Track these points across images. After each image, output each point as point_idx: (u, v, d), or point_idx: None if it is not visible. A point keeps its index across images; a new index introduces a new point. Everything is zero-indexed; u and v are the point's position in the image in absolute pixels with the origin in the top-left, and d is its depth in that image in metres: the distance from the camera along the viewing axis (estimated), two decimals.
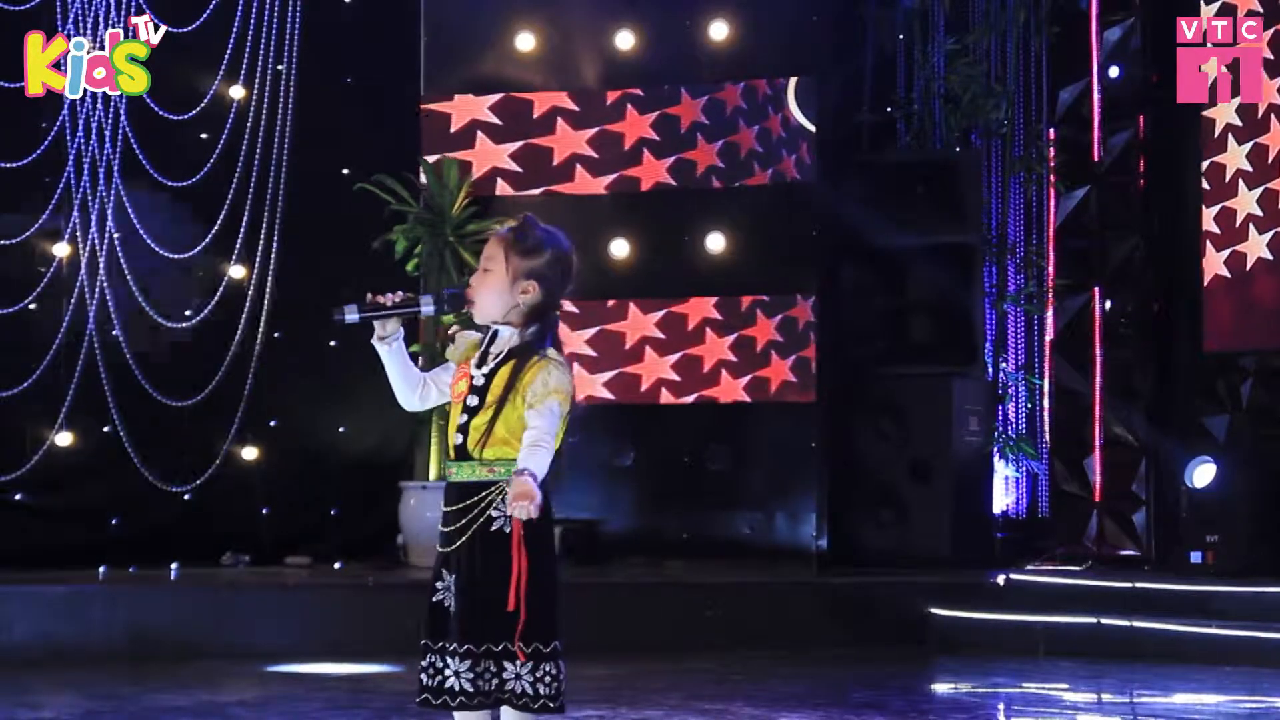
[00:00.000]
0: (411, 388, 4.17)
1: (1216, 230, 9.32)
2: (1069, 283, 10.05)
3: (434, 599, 4.08)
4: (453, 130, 10.15)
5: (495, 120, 10.15)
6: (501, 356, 4.04)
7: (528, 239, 4.07)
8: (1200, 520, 8.77)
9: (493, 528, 3.98)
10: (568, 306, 9.82)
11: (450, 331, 4.30)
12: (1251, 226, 9.20)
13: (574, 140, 10.11)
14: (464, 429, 4.02)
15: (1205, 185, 9.37)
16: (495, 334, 4.10)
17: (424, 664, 4.07)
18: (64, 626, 8.18)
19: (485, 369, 4.05)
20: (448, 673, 4.01)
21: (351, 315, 4.07)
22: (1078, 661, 8.01)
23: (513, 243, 4.06)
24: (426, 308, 4.09)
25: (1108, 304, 9.81)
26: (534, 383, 3.95)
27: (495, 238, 4.12)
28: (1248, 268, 9.20)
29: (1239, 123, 9.27)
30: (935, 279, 9.70)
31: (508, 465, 3.96)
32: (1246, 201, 9.21)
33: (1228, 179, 9.30)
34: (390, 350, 4.13)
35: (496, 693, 3.98)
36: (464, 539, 4.00)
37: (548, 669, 3.97)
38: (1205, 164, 9.38)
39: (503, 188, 10.08)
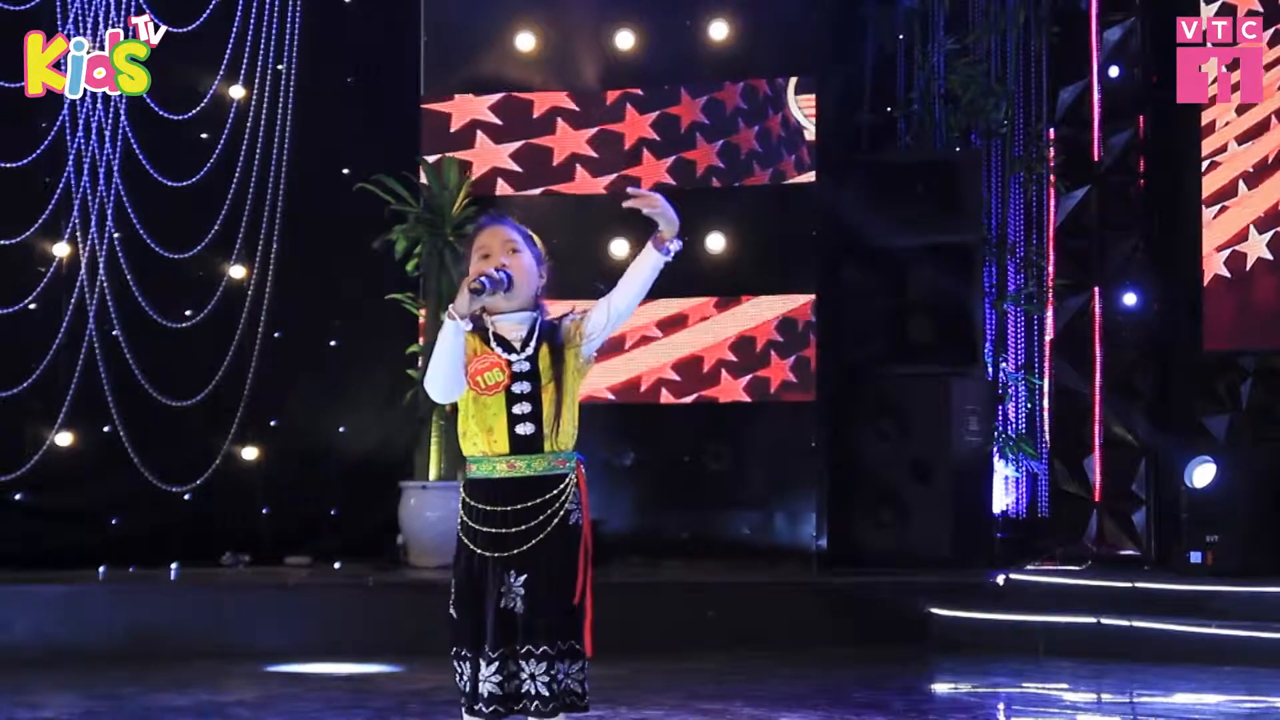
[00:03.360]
0: (459, 377, 3.94)
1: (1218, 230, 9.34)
2: (1069, 283, 10.05)
3: (501, 605, 3.89)
4: (452, 130, 10.15)
5: (495, 120, 10.15)
6: (535, 341, 3.98)
7: (526, 231, 4.11)
8: (1200, 520, 8.77)
9: (571, 521, 3.92)
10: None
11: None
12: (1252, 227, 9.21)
13: (574, 140, 10.11)
14: (533, 418, 3.92)
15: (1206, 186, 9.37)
16: (495, 323, 4.00)
17: (488, 672, 3.88)
18: (64, 626, 8.19)
19: (524, 354, 3.96)
20: (524, 676, 3.87)
21: (488, 284, 3.87)
22: (1078, 661, 8.01)
23: (522, 233, 4.07)
24: (506, 282, 3.97)
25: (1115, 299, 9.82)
26: (588, 323, 3.97)
27: (502, 226, 4.06)
28: (1248, 268, 9.21)
29: (1238, 120, 9.27)
30: (935, 279, 9.70)
31: (570, 457, 3.94)
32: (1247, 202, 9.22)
33: (1229, 179, 9.31)
34: (464, 330, 3.91)
35: (564, 695, 3.88)
36: (541, 536, 3.89)
37: (586, 667, 3.95)
38: (1205, 164, 9.38)
39: (503, 187, 10.07)
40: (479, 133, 10.15)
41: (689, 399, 9.97)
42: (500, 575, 3.91)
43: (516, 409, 3.93)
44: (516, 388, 3.94)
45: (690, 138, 10.02)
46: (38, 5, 9.49)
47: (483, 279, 3.86)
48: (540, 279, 4.05)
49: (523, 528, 3.91)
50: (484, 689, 3.90)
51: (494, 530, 3.93)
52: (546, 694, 3.86)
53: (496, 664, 3.89)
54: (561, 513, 3.91)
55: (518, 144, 10.12)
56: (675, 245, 3.91)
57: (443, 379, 3.93)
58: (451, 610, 4.00)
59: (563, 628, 3.89)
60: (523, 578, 3.90)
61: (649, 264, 3.93)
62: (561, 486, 3.92)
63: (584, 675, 3.92)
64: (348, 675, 7.72)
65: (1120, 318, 9.84)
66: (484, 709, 3.90)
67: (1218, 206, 9.33)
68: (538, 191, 10.06)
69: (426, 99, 10.22)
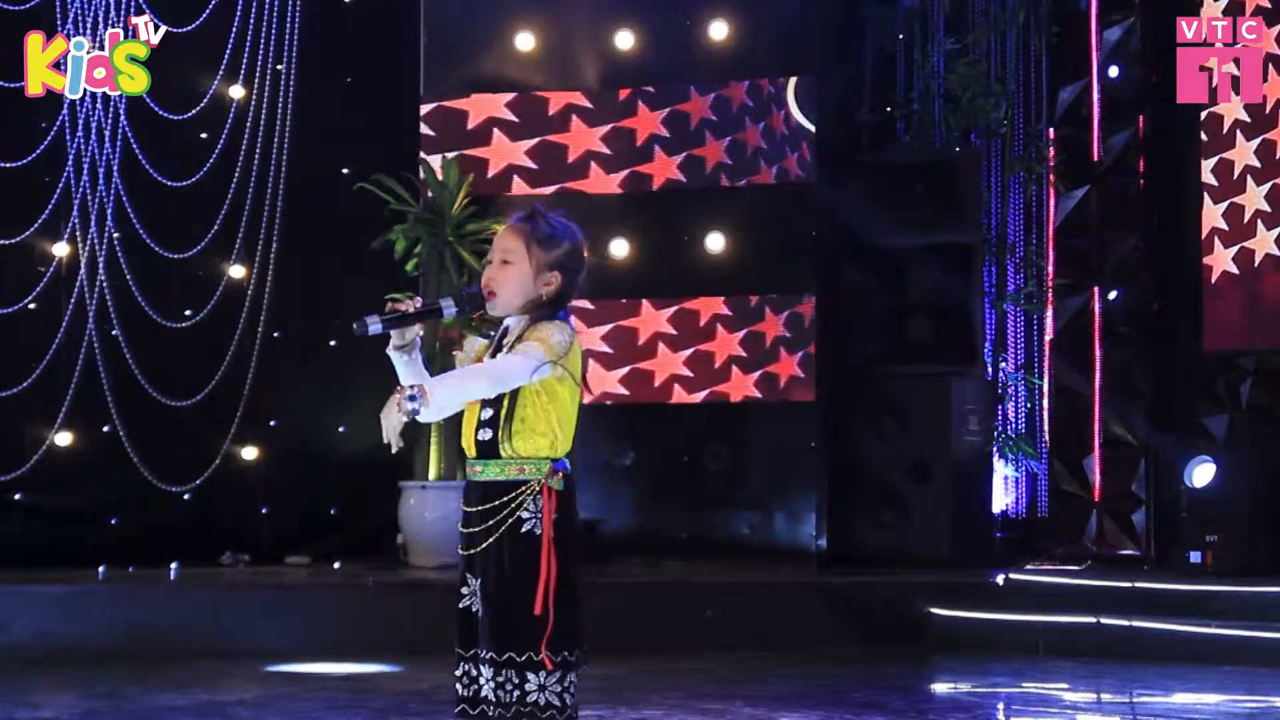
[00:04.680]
0: None
1: (1224, 227, 9.30)
2: (1069, 282, 10.04)
3: (460, 605, 3.93)
4: (469, 127, 10.13)
5: (512, 118, 10.14)
6: (508, 347, 3.94)
7: (546, 229, 3.98)
8: (1200, 520, 8.77)
9: (523, 529, 3.86)
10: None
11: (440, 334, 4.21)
12: (1260, 223, 9.19)
13: (589, 137, 10.09)
14: (491, 423, 3.91)
15: (1214, 181, 9.33)
16: (506, 329, 4.00)
17: (458, 673, 3.92)
18: (64, 626, 8.19)
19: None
20: (483, 681, 3.86)
21: (374, 326, 3.83)
22: (1078, 661, 8.01)
23: (532, 234, 3.96)
24: (448, 309, 3.91)
25: (1112, 295, 9.79)
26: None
27: (511, 229, 3.99)
28: (1256, 264, 9.19)
29: (1247, 119, 9.26)
30: (935, 279, 9.70)
31: (538, 465, 3.88)
32: (1255, 198, 9.19)
33: (1235, 175, 9.28)
34: (409, 360, 3.95)
35: (518, 705, 3.82)
36: (490, 540, 3.88)
37: (571, 679, 3.86)
38: (1213, 160, 9.34)
39: (519, 185, 10.03)
40: (495, 130, 10.13)
41: (697, 398, 9.95)
42: (464, 575, 3.95)
43: (482, 414, 3.95)
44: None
45: (699, 136, 9.99)
46: (38, 5, 9.49)
47: (367, 318, 3.82)
48: (547, 285, 3.95)
49: (477, 530, 3.92)
50: (455, 684, 3.95)
51: (463, 530, 3.97)
52: (493, 699, 3.85)
53: (465, 664, 3.93)
54: (510, 520, 3.87)
55: (534, 141, 10.10)
56: (409, 405, 3.77)
57: None
58: None
59: (517, 636, 3.84)
60: (477, 581, 3.91)
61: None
62: (514, 494, 3.89)
63: (561, 687, 3.84)
64: (348, 675, 7.72)
65: (1120, 318, 9.83)
66: (453, 707, 3.95)
67: (1226, 203, 9.29)
68: (550, 190, 9.99)
69: (429, 98, 10.20)
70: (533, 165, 10.09)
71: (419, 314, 3.88)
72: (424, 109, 10.16)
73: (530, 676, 3.83)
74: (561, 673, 3.84)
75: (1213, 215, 9.33)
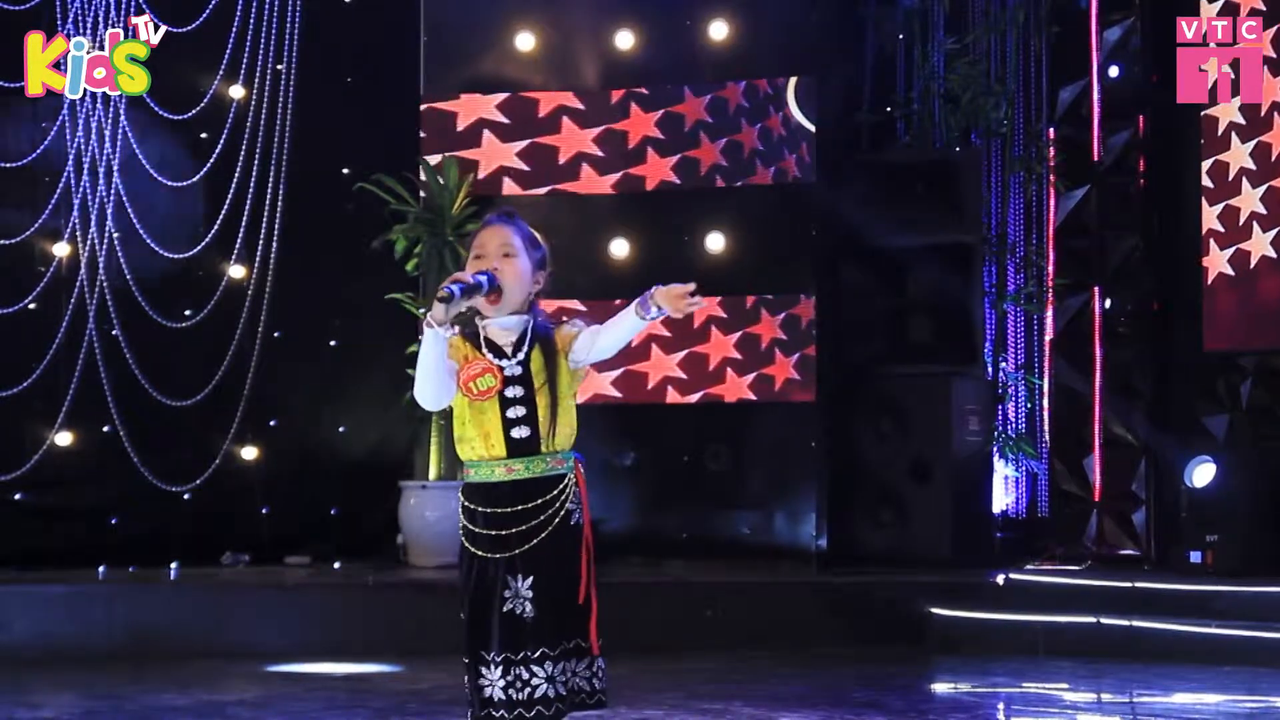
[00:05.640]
0: (447, 384, 4.00)
1: (1220, 229, 9.31)
2: (1069, 282, 10.04)
3: (504, 609, 3.91)
4: (459, 129, 10.13)
5: (503, 119, 10.14)
6: (526, 345, 3.99)
7: (528, 231, 4.09)
8: (1200, 520, 8.76)
9: (572, 521, 3.95)
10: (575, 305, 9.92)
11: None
12: (1255, 225, 9.20)
13: (580, 139, 10.10)
14: (528, 421, 3.94)
15: (1209, 184, 9.34)
16: (485, 328, 4.04)
17: (510, 678, 3.88)
18: (64, 626, 8.20)
19: (515, 359, 3.99)
20: (536, 682, 3.87)
21: (457, 292, 3.86)
22: (1077, 661, 8.01)
23: (520, 234, 4.06)
24: (482, 287, 3.95)
25: (1107, 303, 9.81)
26: (574, 343, 3.98)
27: (501, 227, 4.05)
28: (1251, 266, 9.19)
29: (1242, 121, 9.26)
30: (935, 279, 9.70)
31: (568, 457, 3.98)
32: (1251, 200, 9.20)
33: (1231, 177, 9.29)
34: (444, 339, 3.95)
35: (575, 694, 3.95)
36: (543, 536, 3.92)
37: (600, 664, 3.98)
38: (1208, 162, 9.35)
39: (510, 186, 10.05)
40: (485, 131, 10.12)
41: (693, 398, 9.96)
42: (504, 578, 3.93)
43: (511, 413, 3.95)
44: (510, 392, 3.96)
45: (694, 136, 10.01)
46: (38, 5, 9.51)
47: (450, 286, 3.85)
48: (536, 284, 4.05)
49: (523, 528, 3.93)
50: (492, 694, 3.90)
51: (495, 533, 3.95)
52: (564, 693, 3.90)
53: (501, 669, 3.90)
54: (562, 513, 3.94)
55: (524, 143, 10.11)
56: (658, 313, 3.88)
57: (432, 389, 4.00)
58: (462, 615, 4.01)
59: (569, 626, 3.93)
60: (529, 580, 3.92)
61: (630, 325, 3.93)
62: (561, 487, 3.95)
63: (590, 672, 3.96)
64: (348, 675, 7.72)
65: (1120, 318, 9.83)
66: (493, 713, 3.90)
67: (1221, 205, 9.29)
68: (543, 191, 10.03)
69: (429, 98, 10.21)
70: (524, 167, 10.09)
71: (473, 287, 3.91)
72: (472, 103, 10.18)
73: (576, 664, 3.95)
74: (591, 657, 3.97)
75: (1208, 217, 9.33)
